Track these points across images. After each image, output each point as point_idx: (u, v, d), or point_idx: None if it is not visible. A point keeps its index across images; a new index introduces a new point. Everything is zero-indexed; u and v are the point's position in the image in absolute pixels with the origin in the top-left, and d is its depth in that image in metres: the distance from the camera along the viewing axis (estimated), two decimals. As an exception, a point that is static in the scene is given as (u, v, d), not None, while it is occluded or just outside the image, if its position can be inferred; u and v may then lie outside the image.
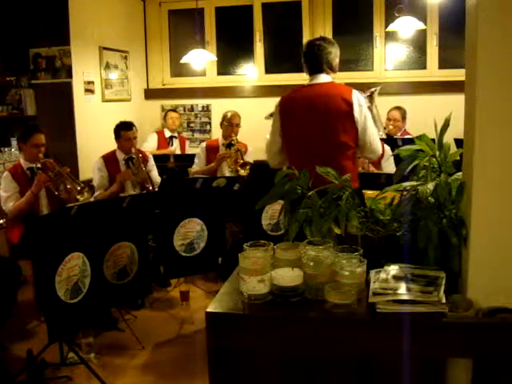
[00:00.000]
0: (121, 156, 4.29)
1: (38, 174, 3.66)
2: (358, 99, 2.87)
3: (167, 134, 5.81)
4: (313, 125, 2.88)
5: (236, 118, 4.92)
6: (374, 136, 2.92)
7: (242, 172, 4.60)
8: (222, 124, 4.98)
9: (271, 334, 1.53)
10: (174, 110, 6.05)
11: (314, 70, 2.97)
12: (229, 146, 4.80)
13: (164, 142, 5.75)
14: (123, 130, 4.28)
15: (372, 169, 4.23)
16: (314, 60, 2.96)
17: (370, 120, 2.90)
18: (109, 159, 4.29)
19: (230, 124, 4.88)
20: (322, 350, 1.53)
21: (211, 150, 4.91)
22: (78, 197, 3.56)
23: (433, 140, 1.72)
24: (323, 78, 2.95)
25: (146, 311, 3.92)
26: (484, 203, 1.50)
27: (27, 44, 4.88)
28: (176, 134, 5.86)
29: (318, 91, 2.92)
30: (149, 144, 5.64)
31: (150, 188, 4.20)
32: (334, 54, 2.96)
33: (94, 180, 4.30)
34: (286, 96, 3.03)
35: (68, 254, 2.83)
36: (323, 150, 2.85)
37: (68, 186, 3.63)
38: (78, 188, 3.59)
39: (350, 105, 2.84)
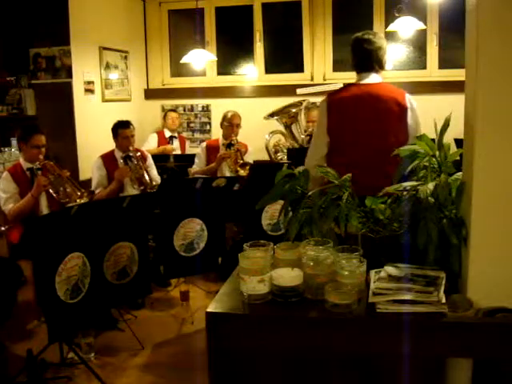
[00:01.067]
0: (119, 155, 4.33)
1: (37, 175, 3.66)
2: (411, 103, 2.72)
3: (167, 134, 5.81)
4: (362, 128, 2.71)
5: (236, 118, 4.92)
6: None
7: (242, 172, 4.60)
8: (222, 124, 4.98)
9: (271, 334, 1.53)
10: (174, 110, 6.04)
11: (364, 68, 2.79)
12: (229, 146, 4.80)
13: (164, 141, 5.75)
14: (121, 128, 4.32)
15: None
16: (364, 57, 2.79)
17: (420, 125, 2.75)
18: (107, 158, 4.33)
19: (231, 124, 4.87)
20: (321, 350, 1.53)
21: (211, 150, 4.91)
22: (78, 201, 3.56)
23: (433, 140, 1.72)
24: (374, 78, 2.78)
25: (146, 311, 3.92)
26: (484, 203, 1.50)
27: (27, 44, 4.87)
28: (176, 134, 5.86)
29: (369, 92, 2.74)
30: (149, 144, 5.64)
31: (148, 181, 4.22)
32: (384, 49, 2.80)
33: (93, 179, 4.32)
34: (335, 95, 2.84)
35: (68, 254, 2.83)
36: (371, 154, 2.67)
37: (68, 190, 3.61)
38: (79, 193, 3.58)
39: (403, 109, 2.69)
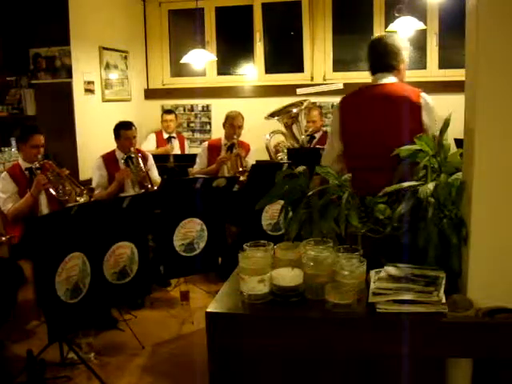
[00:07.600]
0: (120, 155, 4.31)
1: (36, 174, 3.66)
2: (427, 102, 2.68)
3: (165, 135, 5.78)
4: (376, 130, 2.64)
5: (239, 119, 4.86)
6: None
7: (240, 178, 4.57)
8: (224, 125, 4.96)
9: (271, 334, 1.53)
10: (170, 111, 5.91)
11: (378, 69, 2.77)
12: (230, 148, 4.79)
13: (163, 142, 5.73)
14: (123, 129, 4.30)
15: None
16: (378, 58, 2.78)
17: (435, 122, 2.67)
18: (108, 159, 4.32)
19: (233, 126, 4.84)
20: (322, 350, 1.53)
21: (213, 150, 4.89)
22: (78, 199, 3.56)
23: (433, 140, 1.72)
24: (388, 79, 2.75)
25: (146, 311, 3.92)
26: (484, 203, 1.50)
27: (27, 44, 4.88)
28: (174, 135, 5.83)
29: (383, 93, 2.69)
30: (148, 144, 5.63)
31: (149, 186, 4.22)
32: (398, 50, 2.80)
33: (94, 179, 4.31)
34: (348, 97, 2.79)
35: (68, 254, 2.83)
36: (385, 155, 2.49)
37: (67, 188, 3.62)
38: (78, 190, 3.59)
39: (418, 108, 2.64)
